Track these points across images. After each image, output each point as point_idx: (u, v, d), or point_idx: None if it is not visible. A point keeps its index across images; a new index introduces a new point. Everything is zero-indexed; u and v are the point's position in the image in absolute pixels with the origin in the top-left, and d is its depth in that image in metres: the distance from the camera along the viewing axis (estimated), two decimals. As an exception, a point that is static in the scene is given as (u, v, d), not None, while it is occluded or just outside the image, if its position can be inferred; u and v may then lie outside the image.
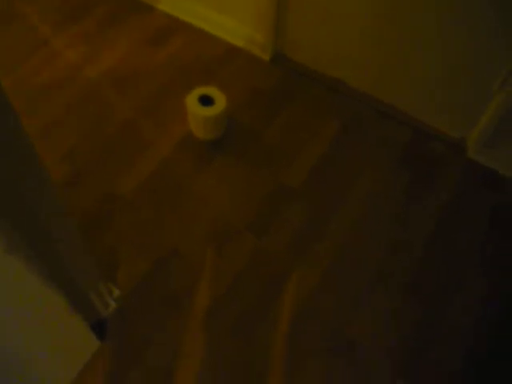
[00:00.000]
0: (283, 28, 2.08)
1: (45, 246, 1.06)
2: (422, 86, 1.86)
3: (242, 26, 2.17)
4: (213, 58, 2.19)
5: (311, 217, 1.72)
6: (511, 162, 1.81)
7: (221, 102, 1.81)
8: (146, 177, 1.80)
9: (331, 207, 1.74)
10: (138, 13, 2.38)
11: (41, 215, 1.00)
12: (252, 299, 1.54)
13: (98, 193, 1.76)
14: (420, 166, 1.86)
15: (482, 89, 1.71)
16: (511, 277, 1.60)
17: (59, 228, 1.09)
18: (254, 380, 1.41)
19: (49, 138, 1.90)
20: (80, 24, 2.32)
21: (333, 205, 1.75)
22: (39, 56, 2.18)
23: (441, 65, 1.75)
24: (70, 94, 2.04)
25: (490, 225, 1.72)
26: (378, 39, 1.84)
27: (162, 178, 1.80)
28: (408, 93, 1.93)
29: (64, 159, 1.84)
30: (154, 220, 1.70)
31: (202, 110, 1.79)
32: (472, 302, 1.55)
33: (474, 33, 1.60)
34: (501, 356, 1.47)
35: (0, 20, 2.34)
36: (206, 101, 1.83)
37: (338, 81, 2.08)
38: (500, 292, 1.58)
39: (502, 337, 1.51)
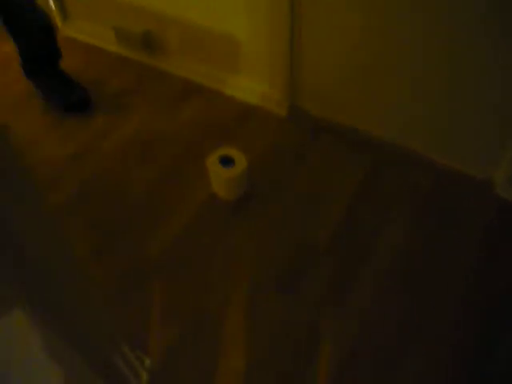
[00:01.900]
0: (298, 82, 2.12)
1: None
2: (442, 128, 1.87)
3: (257, 84, 2.23)
4: (230, 119, 2.23)
5: (338, 272, 1.69)
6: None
7: (241, 161, 1.83)
8: (172, 241, 1.81)
9: (360, 260, 1.71)
10: (153, 80, 2.47)
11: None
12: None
13: (125, 259, 1.76)
14: (448, 210, 1.83)
15: (504, 125, 1.70)
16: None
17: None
18: None
19: (73, 211, 1.93)
20: (99, 95, 2.41)
21: (362, 257, 1.72)
22: (63, 128, 2.26)
23: (460, 104, 1.76)
24: (94, 164, 2.10)
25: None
26: (393, 83, 1.86)
27: (188, 241, 1.80)
28: (431, 137, 1.93)
29: (90, 229, 1.86)
30: (181, 285, 1.68)
31: (223, 172, 1.81)
32: None
33: (498, 70, 1.61)
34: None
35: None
36: (226, 162, 1.85)
37: (356, 130, 2.09)
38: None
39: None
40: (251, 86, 2.25)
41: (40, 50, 2.25)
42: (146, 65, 2.55)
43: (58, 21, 2.79)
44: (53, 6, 2.74)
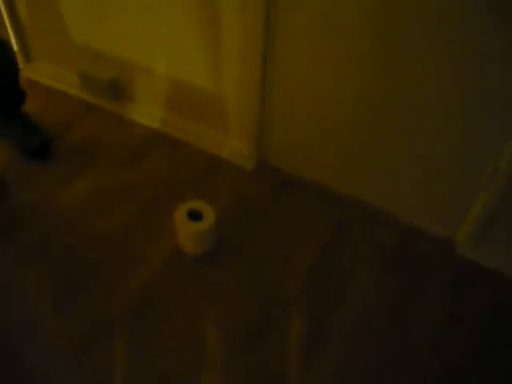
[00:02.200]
0: (267, 137, 2.15)
1: None
2: (406, 187, 1.93)
3: (224, 138, 2.24)
4: (196, 170, 2.22)
5: (310, 329, 1.67)
6: (501, 258, 1.84)
7: (209, 215, 1.81)
8: (133, 297, 1.74)
9: (328, 319, 1.70)
10: (118, 128, 2.44)
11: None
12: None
13: (85, 316, 1.67)
14: (410, 269, 1.87)
15: (467, 186, 1.77)
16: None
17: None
18: None
19: (31, 264, 1.83)
20: (59, 143, 2.34)
21: (330, 315, 1.71)
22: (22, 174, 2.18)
23: (424, 165, 1.82)
24: (54, 215, 2.01)
25: (492, 322, 1.71)
26: (361, 143, 1.92)
27: (151, 298, 1.74)
28: (392, 194, 1.98)
29: (49, 281, 1.76)
30: (142, 344, 1.61)
31: (191, 226, 1.78)
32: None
33: (459, 132, 1.68)
34: None
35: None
36: (194, 215, 1.83)
37: (323, 186, 2.13)
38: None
39: None
40: (219, 139, 2.26)
41: (2, 89, 2.16)
42: (111, 112, 2.52)
43: (20, 62, 2.73)
44: (15, 47, 2.69)
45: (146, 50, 2.21)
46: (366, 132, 1.86)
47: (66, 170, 2.21)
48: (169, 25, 2.04)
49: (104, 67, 2.41)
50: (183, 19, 1.98)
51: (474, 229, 1.81)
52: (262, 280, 1.80)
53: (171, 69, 2.20)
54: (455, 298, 1.79)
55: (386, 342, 1.65)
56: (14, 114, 2.27)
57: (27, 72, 2.74)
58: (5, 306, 0.83)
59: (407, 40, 1.56)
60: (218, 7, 1.85)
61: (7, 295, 0.82)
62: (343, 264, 1.87)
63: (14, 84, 2.22)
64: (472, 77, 1.52)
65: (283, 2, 1.71)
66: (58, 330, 1.62)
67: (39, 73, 2.72)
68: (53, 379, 1.03)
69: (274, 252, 1.90)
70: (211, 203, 1.86)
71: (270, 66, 1.90)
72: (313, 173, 2.14)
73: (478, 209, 1.76)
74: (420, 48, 1.56)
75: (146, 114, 2.44)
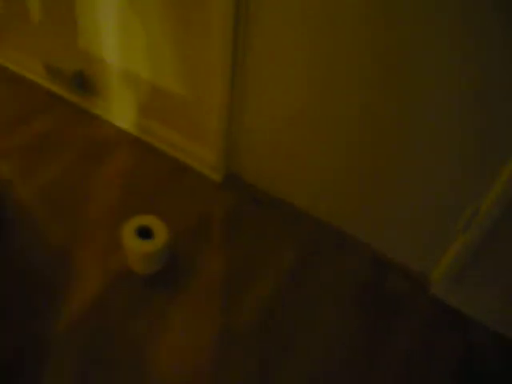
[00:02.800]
0: (235, 147, 1.99)
1: None
2: (386, 218, 1.76)
3: (192, 144, 2.07)
4: (159, 177, 2.05)
5: (259, 370, 1.51)
6: (475, 303, 1.69)
7: (161, 234, 1.65)
8: (75, 315, 1.58)
9: (281, 360, 1.55)
10: (84, 124, 2.27)
11: None
12: None
13: (19, 334, 1.52)
14: (378, 304, 1.72)
15: (445, 227, 1.62)
16: None
17: None
18: None
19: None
20: (18, 134, 2.18)
21: (282, 357, 1.55)
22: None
23: (404, 201, 1.66)
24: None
25: (451, 379, 1.55)
26: (341, 168, 1.76)
27: (92, 318, 1.58)
28: (370, 223, 1.82)
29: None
30: (75, 374, 1.46)
31: (139, 245, 1.62)
32: None
33: (438, 174, 1.52)
34: None
35: None
36: (144, 233, 1.67)
37: (294, 207, 1.97)
38: None
39: None
40: (185, 145, 2.09)
41: None
42: (76, 106, 2.35)
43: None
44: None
45: (114, 47, 2.03)
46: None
47: (23, 165, 2.04)
48: (137, 23, 1.86)
49: (70, 58, 2.23)
50: (153, 18, 1.80)
51: (450, 270, 1.65)
52: (214, 309, 1.65)
53: (139, 68, 2.02)
54: (421, 341, 1.64)
55: (340, 350, 1.51)
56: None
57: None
58: None
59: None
60: (187, 8, 1.67)
61: None
62: (306, 292, 1.72)
63: None
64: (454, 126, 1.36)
65: (253, 8, 1.53)
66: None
67: (4, 58, 2.55)
68: None
69: (231, 278, 1.74)
70: (169, 216, 1.70)
71: (239, 72, 1.73)
72: (285, 192, 1.98)
73: (455, 250, 1.60)
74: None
75: (113, 112, 2.27)
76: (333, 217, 1.90)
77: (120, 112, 2.24)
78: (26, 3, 2.18)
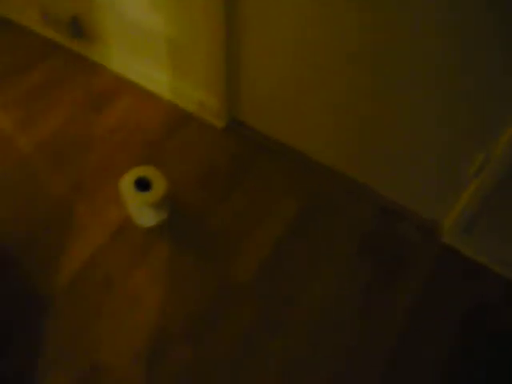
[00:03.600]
0: (238, 93, 1.89)
1: None
2: (395, 164, 1.67)
3: (193, 90, 1.98)
4: (161, 126, 1.99)
5: (259, 321, 1.50)
6: (489, 251, 1.62)
7: (159, 186, 1.61)
8: (75, 269, 1.58)
9: (281, 310, 1.52)
10: (84, 72, 2.19)
11: None
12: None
13: (17, 291, 1.53)
14: (387, 252, 1.66)
15: (457, 173, 1.52)
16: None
17: None
18: None
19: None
20: (16, 84, 2.12)
21: (284, 306, 1.53)
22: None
23: (416, 145, 1.56)
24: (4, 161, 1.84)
25: (462, 329, 1.51)
26: (348, 110, 1.65)
27: (93, 271, 1.58)
28: (377, 169, 1.74)
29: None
30: (77, 326, 1.47)
31: (138, 197, 1.58)
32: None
33: (453, 117, 1.41)
34: None
35: None
36: (142, 184, 1.63)
37: (300, 154, 1.88)
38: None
39: None
40: (187, 91, 2.00)
41: None
42: (75, 54, 2.27)
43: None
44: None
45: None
46: (354, 98, 1.59)
47: (23, 115, 2.00)
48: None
49: (66, 4, 2.13)
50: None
51: (462, 217, 1.57)
52: (215, 262, 1.62)
53: (135, 12, 1.90)
54: (433, 289, 1.59)
55: (343, 300, 1.49)
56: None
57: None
58: None
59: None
60: None
61: None
62: (309, 247, 1.67)
63: None
64: (470, 63, 1.23)
65: None
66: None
67: None
68: None
69: (234, 228, 1.70)
70: (172, 165, 1.64)
71: (234, 12, 1.61)
72: (289, 138, 1.89)
73: (467, 197, 1.51)
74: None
75: (112, 59, 2.18)
76: (341, 164, 1.82)
77: (119, 58, 2.15)
78: None
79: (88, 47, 2.23)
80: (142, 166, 1.65)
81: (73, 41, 2.25)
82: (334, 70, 1.54)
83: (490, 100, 1.29)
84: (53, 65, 2.22)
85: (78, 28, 2.18)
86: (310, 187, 1.82)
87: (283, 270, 1.60)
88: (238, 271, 1.60)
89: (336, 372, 1.41)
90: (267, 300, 1.54)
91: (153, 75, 2.07)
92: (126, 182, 1.61)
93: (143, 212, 1.61)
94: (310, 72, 1.61)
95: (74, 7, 2.12)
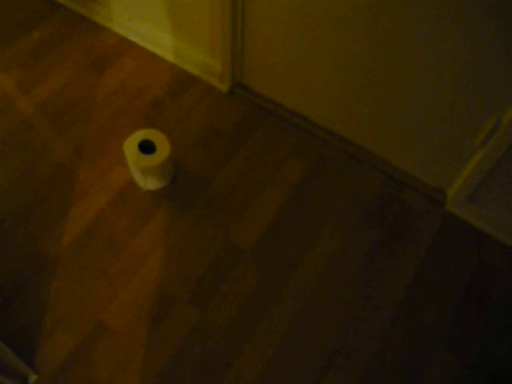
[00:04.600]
0: (243, 56, 1.85)
1: None
2: (400, 130, 1.65)
3: (197, 52, 1.94)
4: (164, 89, 1.96)
5: (261, 285, 1.51)
6: (494, 219, 1.61)
7: (163, 149, 1.59)
8: (79, 232, 1.59)
9: (285, 274, 1.53)
10: (85, 33, 2.14)
11: None
12: (187, 389, 1.34)
13: (22, 252, 1.54)
14: (392, 219, 1.66)
15: (465, 140, 1.51)
16: (483, 360, 1.42)
17: None
18: None
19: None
20: (16, 45, 2.08)
21: (287, 271, 1.54)
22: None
23: (422, 111, 1.54)
24: (5, 125, 1.82)
25: (465, 294, 1.52)
26: (353, 74, 1.62)
27: (96, 233, 1.59)
28: (382, 136, 1.71)
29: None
30: (81, 287, 1.48)
31: (141, 159, 1.57)
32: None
33: (460, 84, 1.38)
34: None
35: None
36: (146, 147, 1.61)
37: (303, 118, 1.86)
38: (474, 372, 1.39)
39: None
40: (191, 53, 1.96)
41: None
42: (76, 14, 2.21)
43: None
44: None
45: None
46: (359, 64, 1.56)
47: (24, 76, 1.97)
48: None
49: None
50: None
51: (467, 185, 1.56)
52: (218, 225, 1.62)
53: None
54: (435, 256, 1.59)
55: (346, 266, 1.50)
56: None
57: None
58: None
59: None
60: None
61: None
62: (313, 211, 1.67)
63: None
64: (478, 30, 1.19)
65: None
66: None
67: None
68: None
69: (237, 192, 1.70)
70: (175, 129, 1.63)
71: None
72: (294, 101, 1.86)
73: (473, 165, 1.50)
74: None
75: (114, 19, 2.13)
76: (346, 130, 1.79)
77: (121, 19, 2.10)
78: None
79: (90, 7, 2.17)
80: (145, 129, 1.63)
81: (74, 0, 2.19)
82: (340, 31, 1.50)
83: (497, 60, 1.26)
84: (54, 25, 2.17)
85: (79, -14, 2.12)
86: (315, 152, 1.80)
87: (287, 235, 1.61)
88: (241, 235, 1.60)
89: (338, 337, 1.43)
90: (270, 264, 1.55)
91: (156, 37, 2.03)
92: (130, 145, 1.59)
93: (147, 175, 1.61)
94: (315, 34, 1.57)
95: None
